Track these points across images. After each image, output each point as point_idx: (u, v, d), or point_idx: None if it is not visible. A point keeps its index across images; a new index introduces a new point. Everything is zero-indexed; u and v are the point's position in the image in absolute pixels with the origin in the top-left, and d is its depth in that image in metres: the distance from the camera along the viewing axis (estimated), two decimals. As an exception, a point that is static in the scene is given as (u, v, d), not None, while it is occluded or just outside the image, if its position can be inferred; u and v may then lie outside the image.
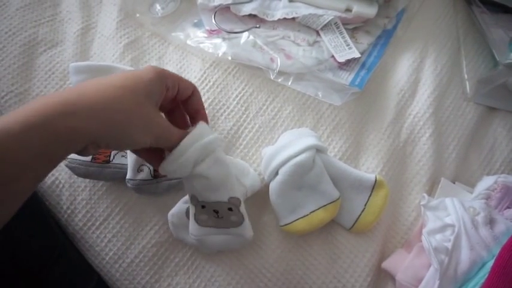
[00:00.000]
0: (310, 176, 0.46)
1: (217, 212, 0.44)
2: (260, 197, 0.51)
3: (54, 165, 0.30)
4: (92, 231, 0.51)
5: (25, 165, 0.27)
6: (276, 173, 0.47)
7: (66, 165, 0.49)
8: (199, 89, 0.57)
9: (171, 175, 0.39)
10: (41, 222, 0.50)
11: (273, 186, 0.47)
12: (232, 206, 0.43)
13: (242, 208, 0.44)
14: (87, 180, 0.52)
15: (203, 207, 0.43)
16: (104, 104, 0.30)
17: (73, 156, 0.49)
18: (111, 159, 0.50)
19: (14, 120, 0.26)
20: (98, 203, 0.51)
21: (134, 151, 0.41)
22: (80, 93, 0.30)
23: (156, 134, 0.34)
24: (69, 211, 0.52)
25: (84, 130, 0.29)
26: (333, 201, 0.47)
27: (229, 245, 0.46)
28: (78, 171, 0.49)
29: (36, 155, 0.27)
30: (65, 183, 0.52)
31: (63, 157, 0.30)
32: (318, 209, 0.47)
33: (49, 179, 0.53)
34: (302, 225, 0.47)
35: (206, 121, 0.41)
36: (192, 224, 0.44)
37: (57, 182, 0.53)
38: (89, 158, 0.49)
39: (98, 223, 0.51)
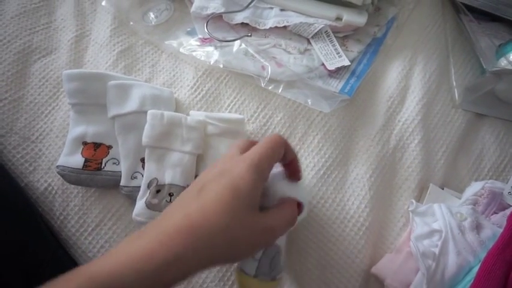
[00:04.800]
0: None
1: (171, 196, 0.48)
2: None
3: None
4: (85, 237, 0.51)
5: None
6: None
7: (58, 173, 0.49)
8: (192, 97, 0.58)
9: None
10: (34, 228, 0.50)
11: None
12: None
13: None
14: (80, 186, 0.52)
15: (158, 191, 0.48)
16: (209, 235, 0.30)
17: (64, 163, 0.49)
18: (102, 167, 0.50)
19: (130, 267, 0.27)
20: (90, 209, 0.52)
21: None
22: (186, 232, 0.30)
23: (263, 242, 0.35)
24: (61, 217, 0.52)
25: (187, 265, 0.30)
26: None
27: None
28: (69, 178, 0.49)
29: None
30: (58, 189, 0.53)
31: None
32: None
33: (42, 185, 0.53)
34: None
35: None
36: (139, 207, 0.48)
37: (50, 188, 0.53)
38: (80, 165, 0.49)
39: (90, 229, 0.51)
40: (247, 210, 0.32)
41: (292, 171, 0.41)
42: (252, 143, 0.38)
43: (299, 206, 0.39)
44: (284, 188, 0.39)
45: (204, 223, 0.30)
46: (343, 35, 0.61)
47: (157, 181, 0.49)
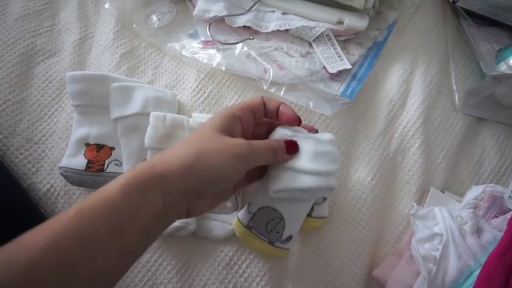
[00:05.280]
0: None
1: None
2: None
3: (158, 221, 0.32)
4: (86, 239, 0.51)
5: (133, 218, 0.29)
6: None
7: (61, 174, 0.49)
8: (195, 100, 0.58)
9: None
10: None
11: None
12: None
13: (239, 199, 0.50)
14: (82, 187, 0.53)
15: None
16: (179, 155, 0.33)
17: (67, 164, 0.50)
18: (105, 168, 0.50)
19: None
20: (92, 211, 0.52)
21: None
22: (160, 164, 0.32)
23: (236, 154, 0.34)
24: (63, 219, 0.52)
25: (170, 182, 0.31)
26: None
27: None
28: (72, 179, 0.49)
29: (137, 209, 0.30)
30: (60, 190, 0.53)
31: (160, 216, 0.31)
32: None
33: (44, 186, 0.53)
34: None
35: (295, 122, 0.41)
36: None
37: (52, 189, 0.53)
38: (83, 167, 0.50)
39: (92, 231, 0.51)
40: (213, 131, 0.36)
41: (287, 118, 0.40)
42: None
43: (292, 145, 0.39)
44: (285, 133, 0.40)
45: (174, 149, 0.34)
46: (345, 39, 0.62)
47: (160, 183, 0.49)
